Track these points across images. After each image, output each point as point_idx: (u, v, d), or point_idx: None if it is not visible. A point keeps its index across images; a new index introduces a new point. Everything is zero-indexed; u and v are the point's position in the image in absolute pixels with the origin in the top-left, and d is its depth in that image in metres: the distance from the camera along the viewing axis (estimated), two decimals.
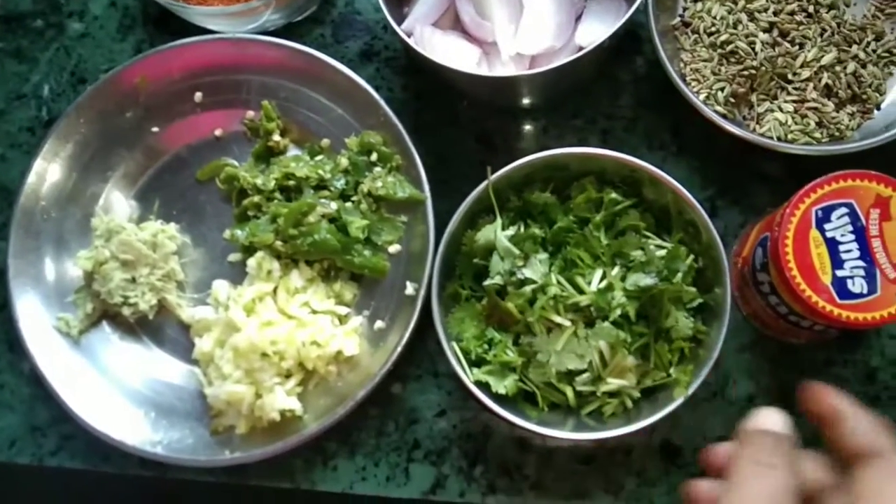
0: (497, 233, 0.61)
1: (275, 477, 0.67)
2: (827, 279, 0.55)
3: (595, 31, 0.68)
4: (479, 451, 0.66)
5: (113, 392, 0.67)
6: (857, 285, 0.54)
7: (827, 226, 0.55)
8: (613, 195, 0.62)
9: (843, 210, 0.55)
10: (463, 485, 0.65)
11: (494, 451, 0.66)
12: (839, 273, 0.55)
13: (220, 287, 0.67)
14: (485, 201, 0.63)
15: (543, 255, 0.60)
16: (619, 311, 0.58)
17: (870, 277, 0.54)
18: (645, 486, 0.64)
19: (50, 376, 0.66)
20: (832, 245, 0.55)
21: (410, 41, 0.66)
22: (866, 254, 0.55)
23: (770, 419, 0.43)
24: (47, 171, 0.70)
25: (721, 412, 0.65)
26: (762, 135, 0.67)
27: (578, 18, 0.69)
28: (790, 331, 0.61)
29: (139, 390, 0.68)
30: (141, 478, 0.68)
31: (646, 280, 0.59)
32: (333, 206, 0.66)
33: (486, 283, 0.61)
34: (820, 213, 0.55)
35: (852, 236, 0.55)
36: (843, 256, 0.55)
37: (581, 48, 0.68)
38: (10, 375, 0.72)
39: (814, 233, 0.55)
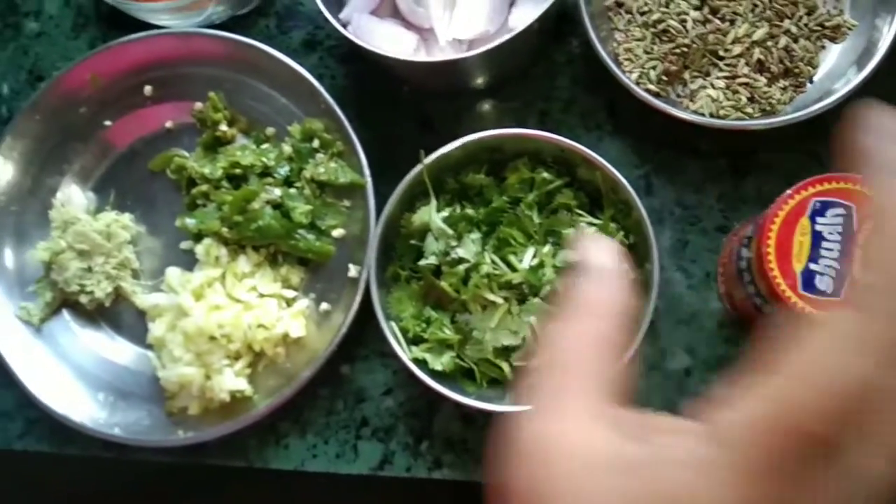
0: (432, 214, 0.58)
1: (229, 456, 0.64)
2: (798, 267, 0.51)
3: (528, 15, 0.64)
4: (424, 427, 0.63)
5: (73, 377, 0.65)
6: (825, 283, 0.51)
7: (819, 219, 0.51)
8: (545, 175, 0.59)
9: (841, 210, 0.51)
10: (410, 460, 0.63)
11: (440, 428, 0.63)
12: (812, 266, 0.51)
13: (173, 274, 0.64)
14: (423, 184, 0.59)
15: (476, 235, 0.57)
16: (548, 287, 0.55)
17: (839, 280, 0.51)
18: None
19: (13, 363, 0.64)
20: (816, 238, 0.51)
21: (347, 31, 0.62)
22: (845, 257, 0.51)
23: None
24: (5, 168, 0.67)
25: (659, 384, 0.61)
26: (695, 112, 0.63)
27: (513, 4, 0.66)
28: (752, 316, 0.57)
29: (98, 375, 0.65)
30: (104, 459, 0.66)
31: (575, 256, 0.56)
32: (277, 192, 0.63)
33: (422, 262, 0.57)
34: (818, 204, 0.51)
35: (839, 237, 0.51)
36: (823, 252, 0.51)
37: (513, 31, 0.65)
38: None
39: (804, 221, 0.51)
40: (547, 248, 0.56)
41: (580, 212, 0.59)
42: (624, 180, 0.57)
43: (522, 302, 0.56)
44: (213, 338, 0.60)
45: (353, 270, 0.62)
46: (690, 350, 0.62)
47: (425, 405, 0.63)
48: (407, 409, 0.63)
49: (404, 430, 0.63)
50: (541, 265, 0.56)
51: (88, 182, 0.68)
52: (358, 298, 0.60)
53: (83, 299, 0.64)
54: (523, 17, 0.64)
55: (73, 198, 0.68)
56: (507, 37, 0.58)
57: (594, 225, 0.58)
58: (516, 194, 0.59)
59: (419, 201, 0.60)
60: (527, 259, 0.56)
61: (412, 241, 0.59)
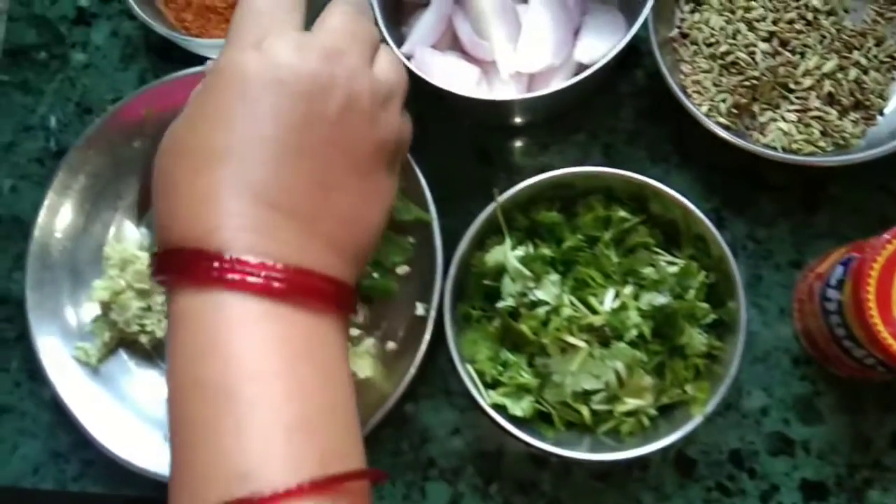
0: (507, 254, 0.56)
1: None
2: None
3: (594, 47, 0.63)
4: (493, 468, 0.61)
5: (131, 417, 0.63)
6: None
7: None
8: (622, 213, 0.57)
9: None
10: (479, 503, 0.60)
11: (509, 469, 0.61)
12: None
13: None
14: (492, 222, 0.57)
15: (555, 276, 0.55)
16: (634, 332, 0.53)
17: None
18: (662, 502, 0.59)
19: (70, 404, 0.61)
20: None
21: (412, 65, 0.60)
22: None
23: None
24: (60, 205, 0.64)
25: (735, 424, 0.59)
26: (766, 145, 0.61)
27: (576, 34, 0.64)
28: (838, 358, 0.56)
29: (156, 415, 0.63)
30: (160, 501, 0.64)
31: (660, 299, 0.54)
32: None
33: (499, 305, 0.55)
34: None
35: None
36: None
37: (581, 64, 0.63)
38: (30, 403, 0.67)
39: None
40: (628, 290, 0.55)
41: (658, 250, 0.57)
42: (705, 218, 0.55)
43: (604, 344, 0.54)
44: None
45: (420, 309, 0.60)
46: (766, 388, 0.60)
47: (494, 445, 0.61)
48: (475, 450, 0.61)
49: (473, 471, 0.61)
50: (623, 307, 0.54)
51: (142, 218, 0.66)
52: (427, 338, 0.58)
53: (143, 339, 0.62)
54: (590, 49, 0.62)
55: (126, 234, 0.66)
56: (583, 75, 0.56)
57: (674, 264, 0.56)
58: (591, 232, 0.57)
59: (489, 239, 0.58)
60: (608, 301, 0.54)
61: (485, 281, 0.57)
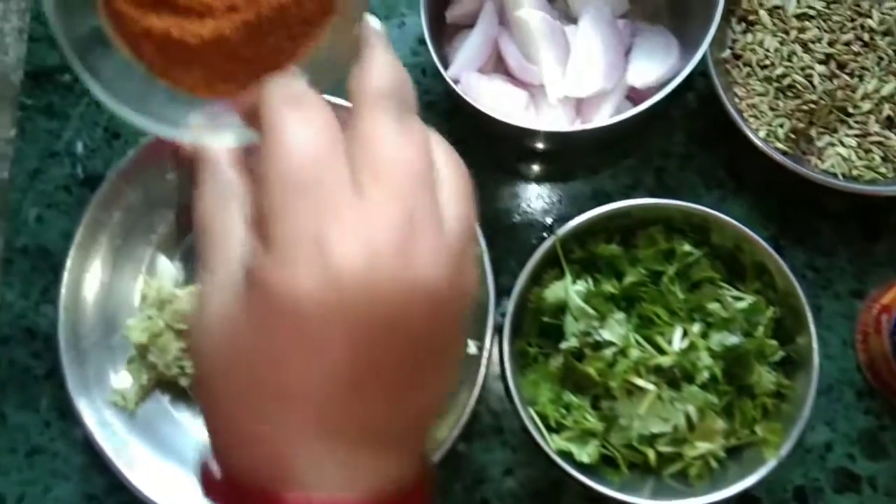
0: (569, 292, 0.54)
1: None
2: None
3: (646, 70, 0.60)
4: None
5: (167, 460, 0.60)
6: None
7: None
8: (686, 247, 0.55)
9: None
10: None
11: None
12: None
13: None
14: (549, 256, 0.55)
15: (620, 315, 0.53)
16: (706, 373, 0.51)
17: None
18: None
19: (105, 446, 0.58)
20: None
21: (459, 89, 0.58)
22: None
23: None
24: (91, 241, 0.61)
25: (799, 460, 0.58)
26: (825, 171, 0.59)
27: (629, 56, 0.61)
28: None
29: (194, 458, 0.60)
30: None
31: (731, 339, 0.52)
32: None
33: (563, 345, 0.53)
34: None
35: None
36: None
37: (633, 87, 0.60)
38: (62, 444, 0.64)
39: None
40: (696, 328, 0.52)
41: (725, 285, 0.55)
42: (774, 253, 0.53)
43: (672, 385, 0.52)
44: None
45: (472, 347, 0.58)
46: (830, 423, 0.58)
47: (549, 486, 0.59)
48: (530, 490, 0.59)
49: None
50: (692, 347, 0.51)
51: (176, 251, 0.63)
52: (481, 377, 0.56)
53: (182, 381, 0.59)
54: (642, 73, 0.60)
55: (160, 268, 0.62)
56: (644, 105, 0.54)
57: (740, 299, 0.54)
58: (653, 266, 0.55)
59: (545, 273, 0.56)
60: (676, 340, 0.52)
61: (544, 318, 0.55)
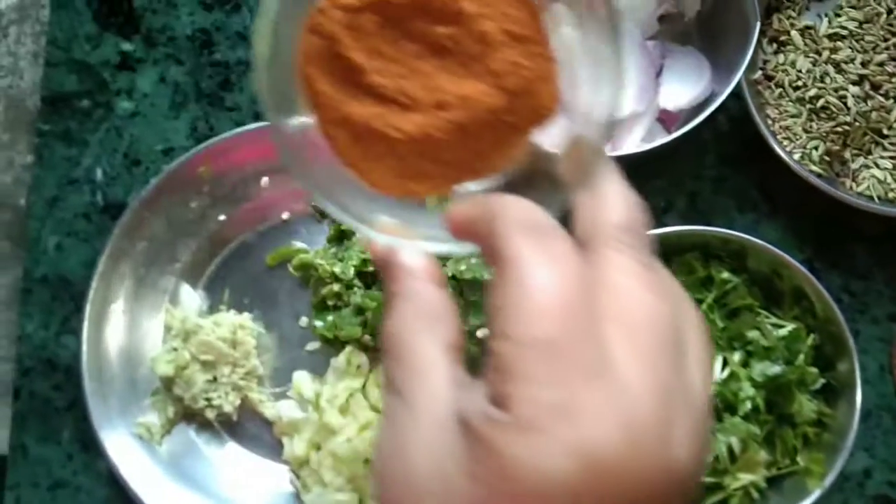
0: None
1: None
2: None
3: (678, 92, 0.59)
4: None
5: (195, 494, 0.58)
6: None
7: None
8: (725, 274, 0.53)
9: None
10: None
11: None
12: None
13: (303, 380, 0.58)
14: None
15: None
16: (748, 404, 0.50)
17: None
18: None
19: (131, 480, 0.57)
20: None
21: None
22: None
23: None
24: (113, 271, 0.59)
25: (838, 488, 0.56)
26: (860, 193, 0.58)
27: (659, 78, 0.60)
28: None
29: (221, 492, 0.59)
30: None
31: (773, 368, 0.51)
32: None
33: None
34: None
35: None
36: None
37: (664, 109, 0.59)
38: (85, 477, 0.62)
39: None
40: (737, 357, 0.51)
41: (763, 312, 0.54)
42: (815, 279, 0.52)
43: (714, 416, 0.51)
44: (367, 459, 0.54)
45: None
46: (869, 449, 0.57)
47: None
48: None
49: None
50: (733, 377, 0.50)
51: (200, 280, 0.62)
52: None
53: (209, 414, 0.58)
54: (674, 95, 0.59)
55: (183, 297, 0.61)
56: (672, 137, 0.53)
57: (779, 326, 0.53)
58: (690, 293, 0.53)
59: None
60: (717, 370, 0.51)
61: None
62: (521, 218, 0.25)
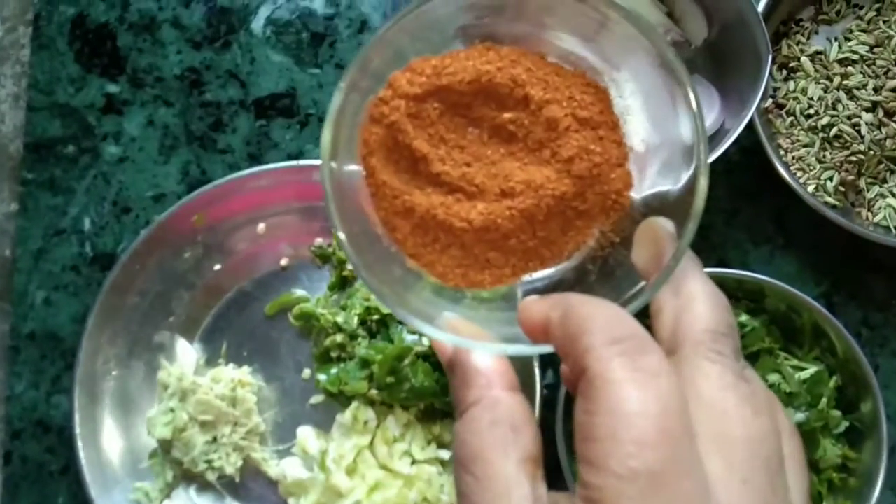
0: None
1: None
2: None
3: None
4: None
5: None
6: None
7: None
8: (743, 318, 0.51)
9: None
10: None
11: None
12: None
13: (307, 436, 0.56)
14: None
15: None
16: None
17: None
18: None
19: None
20: None
21: None
22: None
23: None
24: (104, 329, 0.57)
25: None
26: (877, 224, 0.57)
27: None
28: None
29: None
30: None
31: (797, 416, 0.49)
32: (426, 341, 0.55)
33: None
34: None
35: None
36: None
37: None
38: None
39: None
40: None
41: (783, 354, 0.52)
42: (837, 321, 0.50)
43: None
44: None
45: None
46: (895, 488, 0.55)
47: None
48: None
49: None
50: None
51: (196, 333, 0.59)
52: None
53: (210, 476, 0.55)
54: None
55: (179, 353, 0.58)
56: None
57: (799, 369, 0.51)
58: None
59: None
60: None
61: None
62: (608, 330, 0.23)
